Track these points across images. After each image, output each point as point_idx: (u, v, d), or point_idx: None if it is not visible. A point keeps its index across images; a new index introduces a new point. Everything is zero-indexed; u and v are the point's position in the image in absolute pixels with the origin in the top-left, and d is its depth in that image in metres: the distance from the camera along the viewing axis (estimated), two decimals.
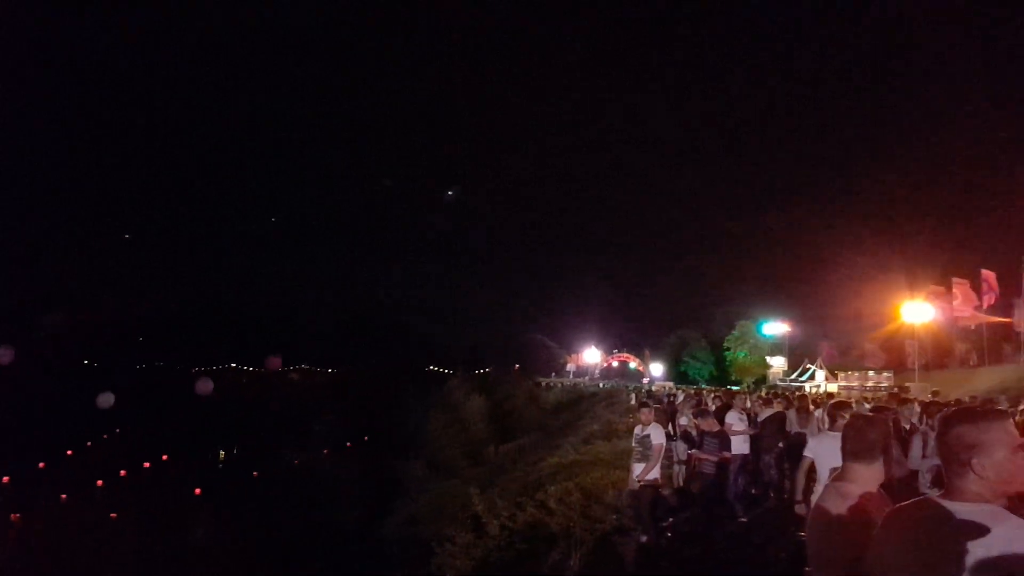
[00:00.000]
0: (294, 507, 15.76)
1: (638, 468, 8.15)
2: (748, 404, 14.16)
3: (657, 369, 72.08)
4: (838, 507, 2.51)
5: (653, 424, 8.42)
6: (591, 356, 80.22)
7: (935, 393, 18.77)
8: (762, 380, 59.71)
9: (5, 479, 21.42)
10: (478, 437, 24.93)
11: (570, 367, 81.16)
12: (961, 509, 1.92)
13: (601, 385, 59.51)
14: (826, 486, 2.71)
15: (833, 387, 45.14)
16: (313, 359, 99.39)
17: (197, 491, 20.82)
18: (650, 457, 8.13)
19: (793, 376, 55.73)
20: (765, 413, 12.27)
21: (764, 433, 11.83)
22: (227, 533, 14.05)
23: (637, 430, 8.50)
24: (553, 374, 77.84)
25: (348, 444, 26.96)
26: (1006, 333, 42.69)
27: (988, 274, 40.52)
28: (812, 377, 52.40)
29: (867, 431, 2.67)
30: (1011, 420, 2.11)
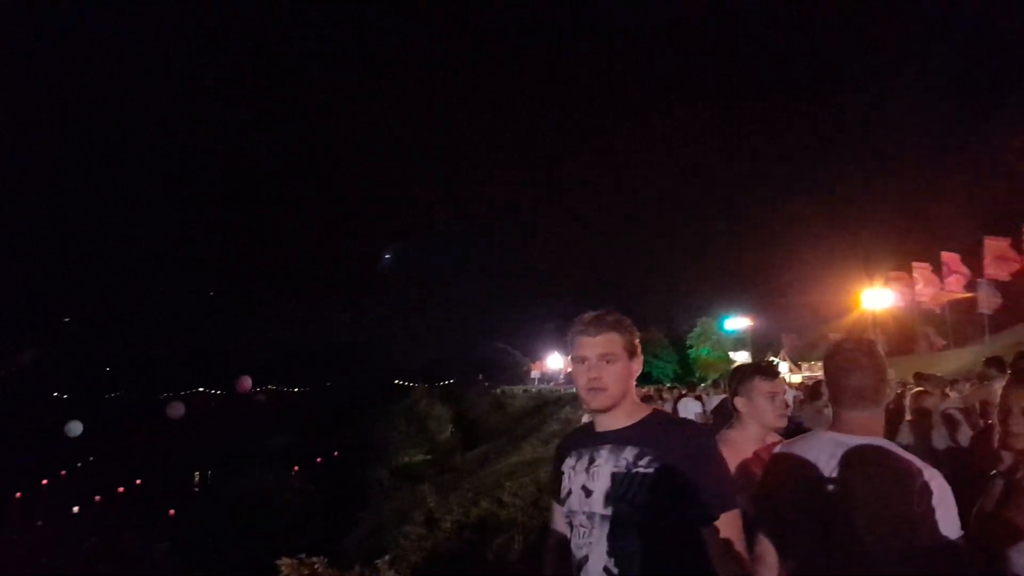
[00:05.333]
0: (262, 524, 16.51)
1: None
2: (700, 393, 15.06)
3: None
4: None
5: None
6: (555, 362, 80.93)
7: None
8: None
9: None
10: (443, 445, 25.67)
11: (534, 374, 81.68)
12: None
13: (564, 390, 59.78)
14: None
15: (797, 378, 45.81)
16: (280, 380, 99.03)
17: (171, 512, 21.46)
18: None
19: None
20: (715, 400, 12.13)
21: (716, 422, 12.20)
22: (195, 552, 14.81)
23: None
24: (518, 382, 78.48)
25: (319, 460, 27.67)
26: (970, 315, 42.98)
27: (950, 256, 40.28)
28: None
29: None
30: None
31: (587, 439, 2.06)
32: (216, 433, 36.98)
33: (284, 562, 6.25)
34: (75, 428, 21.58)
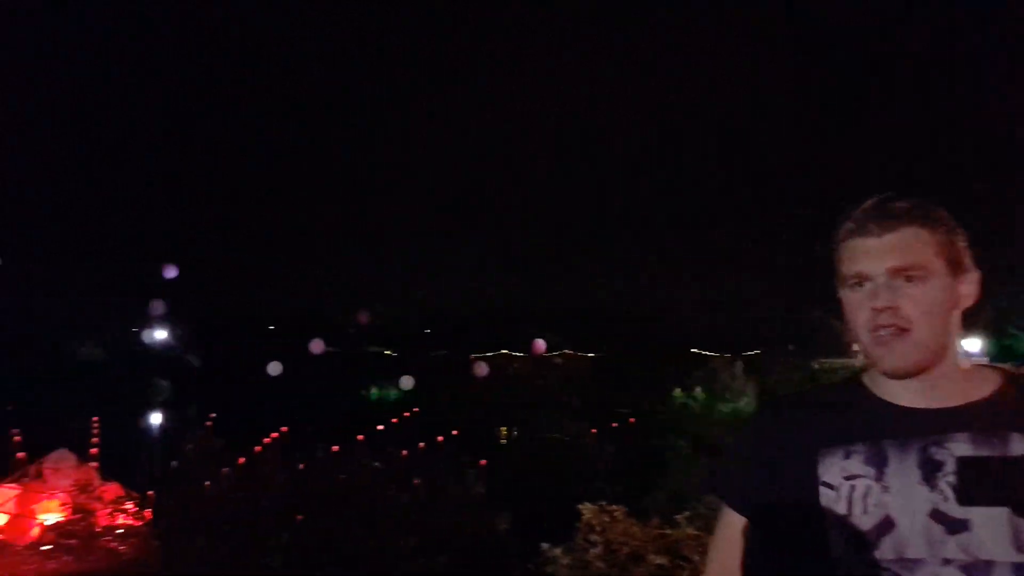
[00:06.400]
0: (564, 477, 17.04)
1: None
2: None
3: (972, 344, 62.96)
4: None
5: None
6: None
7: None
8: None
9: (334, 448, 25.86)
10: (746, 418, 24.65)
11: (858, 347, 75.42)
12: None
13: None
14: None
15: None
16: (575, 344, 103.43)
17: (482, 463, 23.22)
18: None
19: None
20: None
21: None
22: (505, 496, 15.68)
23: None
24: (838, 355, 72.84)
25: (614, 424, 28.08)
26: None
27: None
28: None
29: None
30: None
31: (884, 424, 1.11)
32: (518, 392, 39.65)
33: (586, 507, 6.44)
34: (407, 383, 24.10)
